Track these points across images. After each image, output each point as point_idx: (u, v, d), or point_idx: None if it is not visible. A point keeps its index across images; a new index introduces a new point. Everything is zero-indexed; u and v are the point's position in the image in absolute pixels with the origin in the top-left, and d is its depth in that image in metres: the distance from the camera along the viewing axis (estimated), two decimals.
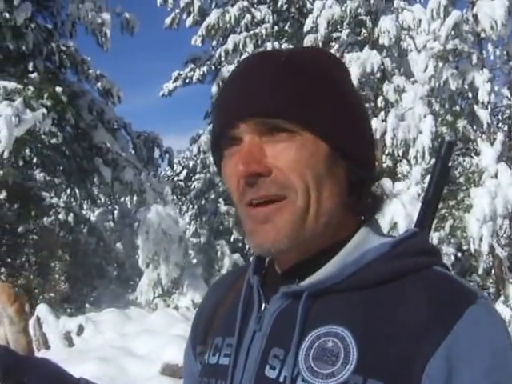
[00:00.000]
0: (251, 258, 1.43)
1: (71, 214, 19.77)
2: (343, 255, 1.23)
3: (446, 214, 12.03)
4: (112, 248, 21.29)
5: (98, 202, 22.94)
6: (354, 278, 1.19)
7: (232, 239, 20.79)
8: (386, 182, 10.99)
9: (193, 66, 25.49)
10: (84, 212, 23.46)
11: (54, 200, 19.88)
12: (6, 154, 14.22)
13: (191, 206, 25.91)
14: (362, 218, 1.29)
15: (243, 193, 1.21)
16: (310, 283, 1.22)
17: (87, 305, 19.81)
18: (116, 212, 26.04)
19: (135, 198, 19.86)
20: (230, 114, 1.22)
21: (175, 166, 30.50)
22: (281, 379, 1.19)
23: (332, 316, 1.19)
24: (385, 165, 16.28)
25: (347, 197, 1.24)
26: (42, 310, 14.92)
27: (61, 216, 19.52)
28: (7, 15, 16.33)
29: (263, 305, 1.29)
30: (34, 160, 20.08)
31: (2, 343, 1.43)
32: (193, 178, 31.22)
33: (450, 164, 1.43)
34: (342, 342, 1.15)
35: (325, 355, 1.16)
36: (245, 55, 20.89)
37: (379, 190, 1.31)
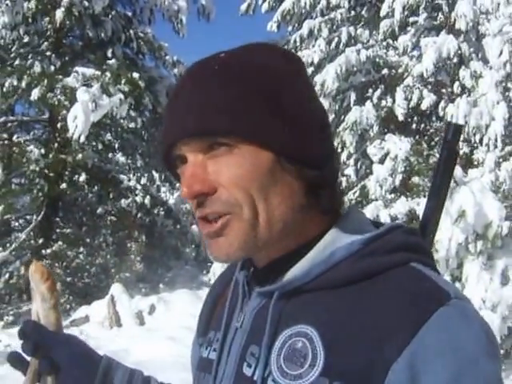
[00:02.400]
0: None
1: (148, 197, 20.16)
2: (313, 255, 1.22)
3: None
4: (188, 230, 21.60)
5: (177, 185, 23.34)
6: (322, 278, 1.18)
7: None
8: (457, 170, 10.92)
9: None
10: (162, 195, 23.82)
11: (132, 183, 20.31)
12: (82, 138, 14.66)
13: None
14: (329, 217, 1.26)
15: (195, 211, 1.21)
16: (280, 283, 1.21)
17: (161, 285, 20.16)
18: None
19: None
20: (168, 135, 1.22)
21: None
22: (255, 377, 1.19)
23: (302, 315, 1.18)
24: (461, 151, 16.09)
25: (304, 198, 1.21)
26: (116, 289, 15.47)
27: (138, 198, 19.95)
28: (86, 3, 16.80)
29: (245, 300, 1.30)
30: (115, 144, 20.60)
31: (34, 318, 1.46)
32: None
33: (457, 149, 1.37)
34: (310, 342, 1.14)
35: (294, 356, 1.15)
36: (320, 40, 20.93)
37: (338, 187, 1.27)
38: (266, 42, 1.36)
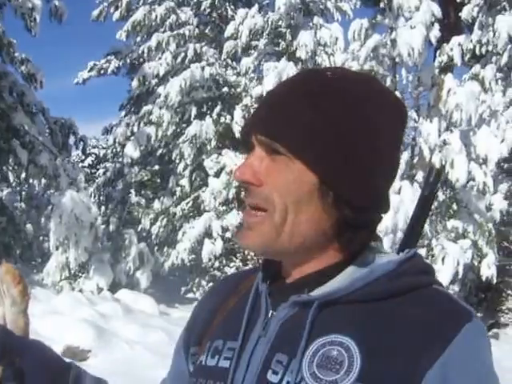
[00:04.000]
0: (251, 266, 1.68)
1: None
2: (352, 270, 1.27)
3: None
4: (21, 228, 21.32)
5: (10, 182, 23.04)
6: (362, 292, 1.22)
7: (139, 229, 21.19)
8: None
9: (113, 57, 25.79)
10: None
11: None
12: None
13: (97, 194, 26.05)
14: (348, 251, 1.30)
15: (244, 193, 1.30)
16: (320, 294, 1.25)
17: None
18: (23, 194, 25.99)
19: (47, 182, 20.10)
20: (248, 123, 1.31)
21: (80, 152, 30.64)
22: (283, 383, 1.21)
23: (337, 326, 1.22)
24: None
25: (329, 229, 1.26)
26: None
27: None
28: None
29: (270, 312, 1.31)
30: None
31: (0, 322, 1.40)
32: (98, 166, 31.45)
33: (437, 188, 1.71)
34: (346, 351, 1.18)
35: (329, 363, 1.18)
36: (167, 53, 21.47)
37: (367, 236, 1.31)
38: (381, 83, 1.38)
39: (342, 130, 1.22)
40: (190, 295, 20.77)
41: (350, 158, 1.22)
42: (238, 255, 20.16)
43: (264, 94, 17.85)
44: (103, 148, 32.96)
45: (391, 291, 1.23)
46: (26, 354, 1.37)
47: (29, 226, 20.83)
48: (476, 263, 15.71)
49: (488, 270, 15.56)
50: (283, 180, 1.23)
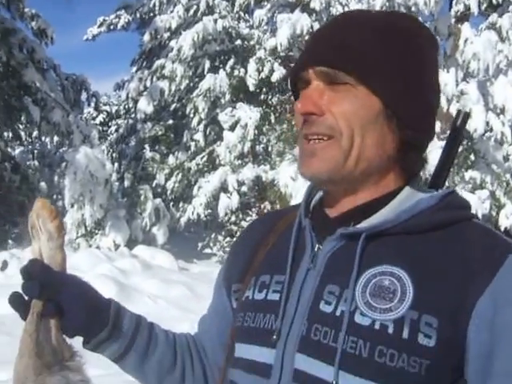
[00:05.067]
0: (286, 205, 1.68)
1: None
2: (397, 203, 1.32)
3: None
4: (35, 186, 21.34)
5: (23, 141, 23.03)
6: (408, 224, 1.27)
7: (154, 184, 21.15)
8: None
9: (123, 12, 25.53)
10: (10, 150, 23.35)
11: None
12: None
13: (110, 151, 26.01)
14: (407, 175, 1.36)
15: (301, 128, 1.32)
16: (367, 226, 1.29)
17: (10, 241, 19.93)
18: (36, 152, 25.99)
19: (60, 139, 20.10)
20: (304, 58, 1.34)
21: (92, 110, 30.54)
22: (337, 313, 1.24)
23: (386, 257, 1.26)
24: None
25: (393, 151, 1.31)
26: None
27: None
28: None
29: (316, 245, 1.34)
30: None
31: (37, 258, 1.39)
32: (109, 124, 31.38)
33: (464, 133, 1.57)
34: (398, 280, 1.23)
35: (382, 292, 1.23)
36: (179, 6, 21.22)
37: (423, 156, 1.38)
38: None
39: (403, 60, 1.30)
40: (207, 250, 20.79)
41: (410, 84, 1.30)
42: (253, 209, 20.04)
43: (278, 46, 17.67)
44: (115, 105, 32.80)
45: (435, 224, 1.28)
46: (65, 289, 1.37)
47: (42, 184, 20.81)
48: (494, 214, 15.63)
49: (506, 220, 15.50)
50: (348, 106, 1.28)
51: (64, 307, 1.36)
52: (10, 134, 21.53)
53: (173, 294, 13.25)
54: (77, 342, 1.42)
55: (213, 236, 21.08)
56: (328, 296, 1.27)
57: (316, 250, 1.33)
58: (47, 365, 1.33)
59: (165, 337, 1.55)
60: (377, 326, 1.21)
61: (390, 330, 1.19)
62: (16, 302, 1.34)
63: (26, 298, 1.34)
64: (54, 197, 22.31)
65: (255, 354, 1.34)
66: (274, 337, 1.30)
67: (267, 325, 1.33)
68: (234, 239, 1.76)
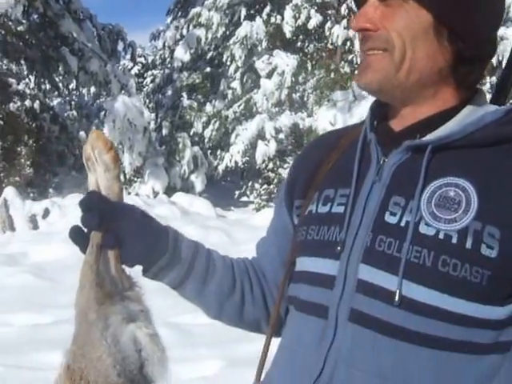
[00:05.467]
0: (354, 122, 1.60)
1: (37, 102, 19.99)
2: (462, 117, 1.32)
3: None
4: (75, 136, 21.54)
5: (61, 91, 23.17)
6: (473, 136, 1.28)
7: (192, 133, 21.24)
8: None
9: None
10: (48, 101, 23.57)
11: (21, 87, 20.00)
12: None
13: (147, 101, 26.10)
14: (466, 91, 1.36)
15: (360, 43, 1.37)
16: (433, 138, 1.30)
17: (50, 190, 20.22)
18: (73, 103, 26.15)
19: (97, 89, 20.21)
20: None
21: (127, 62, 30.58)
22: (402, 224, 1.27)
23: (451, 169, 1.28)
24: None
25: (445, 64, 1.32)
26: (9, 192, 15.39)
27: (27, 103, 19.74)
28: None
29: (381, 158, 1.36)
30: None
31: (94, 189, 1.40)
32: (145, 75, 31.40)
33: None
34: (463, 191, 1.24)
35: (447, 203, 1.25)
36: None
37: (478, 75, 1.37)
38: None
39: None
40: (244, 198, 20.89)
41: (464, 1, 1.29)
42: (291, 156, 20.05)
43: None
44: (150, 55, 32.80)
45: (501, 137, 1.27)
46: (123, 219, 1.37)
47: (82, 134, 20.98)
48: None
49: None
50: (400, 20, 1.30)
51: (123, 237, 1.36)
52: (48, 86, 21.68)
53: (211, 239, 13.31)
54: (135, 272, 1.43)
55: (250, 184, 21.16)
56: (393, 207, 1.29)
57: (382, 162, 1.34)
58: (108, 295, 1.35)
59: (222, 262, 1.54)
60: (441, 236, 1.23)
61: (454, 240, 1.22)
62: (75, 234, 1.35)
63: (85, 230, 1.34)
64: None
65: (319, 266, 1.37)
66: (339, 248, 1.32)
67: (331, 237, 1.35)
68: (291, 162, 1.76)
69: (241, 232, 14.36)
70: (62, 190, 19.62)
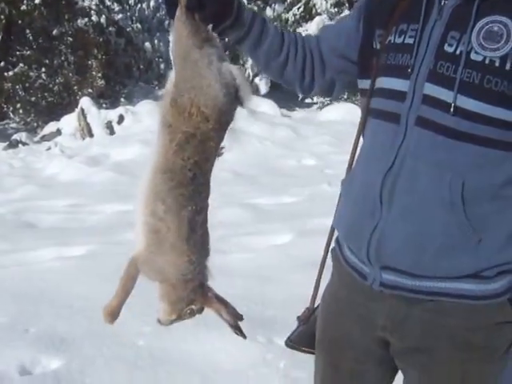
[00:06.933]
0: None
1: (103, 16, 20.54)
2: None
3: None
4: (140, 47, 21.94)
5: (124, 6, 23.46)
6: None
7: None
8: None
9: None
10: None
11: (86, 3, 20.56)
12: None
13: None
14: None
15: None
16: None
17: (122, 99, 20.88)
18: (134, 18, 26.36)
19: (155, 4, 20.33)
20: None
21: None
22: (457, 52, 1.55)
23: (497, 9, 1.53)
24: None
25: None
26: (85, 102, 16.21)
27: (93, 18, 20.33)
28: None
29: (443, 1, 1.61)
30: None
31: None
32: None
33: None
34: (505, 26, 1.50)
35: (492, 36, 1.51)
36: None
37: None
38: None
39: None
40: (308, 100, 21.05)
41: None
42: None
43: None
44: None
45: None
46: None
47: (147, 45, 21.37)
48: None
49: None
50: None
51: (203, 1, 1.63)
52: (110, 1, 22.03)
53: (278, 135, 13.80)
54: None
55: None
56: (450, 40, 1.56)
57: (442, 4, 1.61)
58: (205, 39, 1.64)
59: (275, 29, 1.88)
60: (487, 62, 1.51)
61: (497, 64, 1.50)
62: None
63: None
64: (156, 59, 22.83)
65: (394, 84, 1.67)
66: (409, 70, 1.63)
67: (404, 62, 1.64)
68: None
69: (307, 128, 14.77)
70: (131, 99, 20.19)
